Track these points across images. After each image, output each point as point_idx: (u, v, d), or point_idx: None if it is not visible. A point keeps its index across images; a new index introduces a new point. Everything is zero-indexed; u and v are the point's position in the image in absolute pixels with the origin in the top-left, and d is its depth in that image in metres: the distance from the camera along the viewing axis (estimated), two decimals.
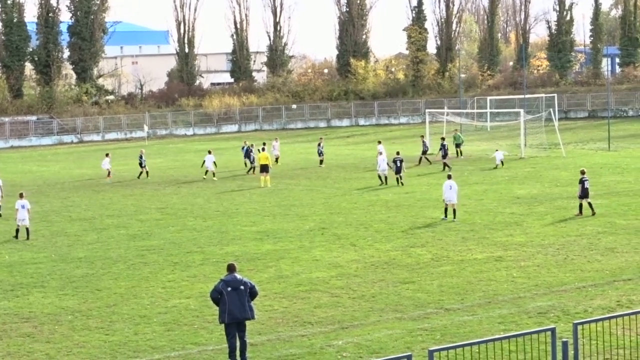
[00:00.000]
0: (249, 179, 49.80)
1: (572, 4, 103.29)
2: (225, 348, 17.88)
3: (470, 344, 13.82)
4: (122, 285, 24.60)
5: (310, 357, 17.82)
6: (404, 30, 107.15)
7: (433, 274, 24.56)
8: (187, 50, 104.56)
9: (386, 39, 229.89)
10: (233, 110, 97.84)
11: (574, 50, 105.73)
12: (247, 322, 17.80)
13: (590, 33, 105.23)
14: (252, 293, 17.71)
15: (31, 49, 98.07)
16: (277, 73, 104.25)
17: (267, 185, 45.96)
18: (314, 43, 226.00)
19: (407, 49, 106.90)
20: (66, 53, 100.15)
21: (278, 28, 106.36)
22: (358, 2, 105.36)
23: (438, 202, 35.43)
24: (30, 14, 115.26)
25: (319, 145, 57.18)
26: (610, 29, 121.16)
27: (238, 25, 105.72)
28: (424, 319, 20.04)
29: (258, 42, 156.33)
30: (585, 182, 33.29)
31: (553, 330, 14.11)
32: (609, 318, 15.74)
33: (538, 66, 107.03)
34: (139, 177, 52.44)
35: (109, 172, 53.41)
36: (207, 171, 51.11)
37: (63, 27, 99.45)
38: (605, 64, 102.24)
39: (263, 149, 49.66)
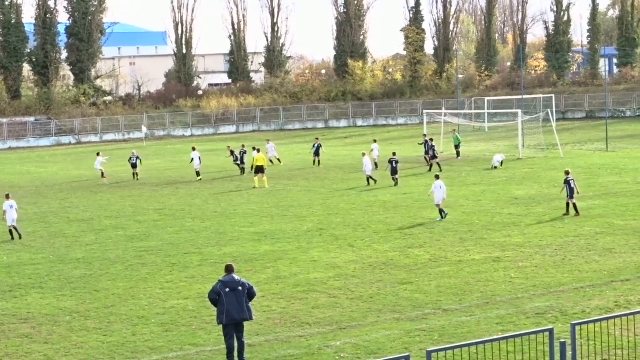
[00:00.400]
0: (247, 179, 49.78)
1: (569, 4, 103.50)
2: (223, 349, 17.89)
3: (468, 345, 13.84)
4: (120, 286, 24.61)
5: (308, 358, 17.82)
6: (401, 31, 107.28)
7: (431, 274, 24.56)
8: (184, 51, 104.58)
9: (384, 40, 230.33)
10: (231, 111, 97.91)
11: (571, 50, 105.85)
12: (245, 323, 17.82)
13: (588, 34, 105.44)
14: (250, 294, 17.72)
15: (29, 50, 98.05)
16: (275, 74, 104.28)
17: (263, 186, 45.97)
18: (312, 44, 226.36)
19: (404, 49, 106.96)
20: (64, 54, 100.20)
21: (276, 29, 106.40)
22: (355, 2, 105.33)
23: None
24: (28, 15, 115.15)
25: (313, 145, 57.21)
26: (608, 29, 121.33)
27: (235, 26, 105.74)
28: (422, 320, 20.05)
29: (256, 43, 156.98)
30: (571, 182, 33.27)
31: (551, 331, 14.11)
32: (607, 319, 15.75)
33: (536, 67, 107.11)
34: (137, 179, 52.30)
35: (102, 173, 53.28)
36: (197, 172, 51.09)
37: (61, 28, 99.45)
38: (602, 64, 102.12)
39: (258, 150, 49.62)
